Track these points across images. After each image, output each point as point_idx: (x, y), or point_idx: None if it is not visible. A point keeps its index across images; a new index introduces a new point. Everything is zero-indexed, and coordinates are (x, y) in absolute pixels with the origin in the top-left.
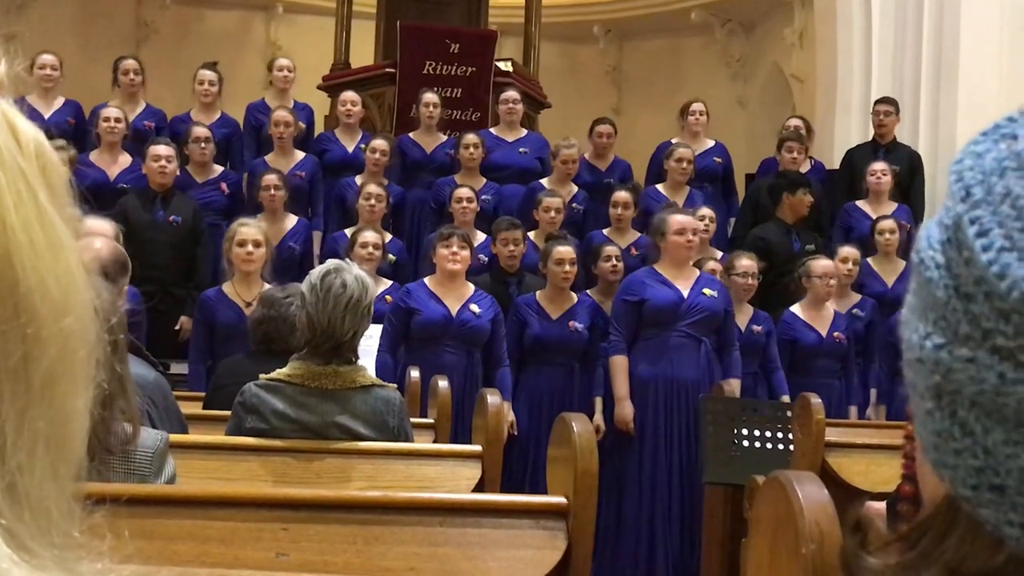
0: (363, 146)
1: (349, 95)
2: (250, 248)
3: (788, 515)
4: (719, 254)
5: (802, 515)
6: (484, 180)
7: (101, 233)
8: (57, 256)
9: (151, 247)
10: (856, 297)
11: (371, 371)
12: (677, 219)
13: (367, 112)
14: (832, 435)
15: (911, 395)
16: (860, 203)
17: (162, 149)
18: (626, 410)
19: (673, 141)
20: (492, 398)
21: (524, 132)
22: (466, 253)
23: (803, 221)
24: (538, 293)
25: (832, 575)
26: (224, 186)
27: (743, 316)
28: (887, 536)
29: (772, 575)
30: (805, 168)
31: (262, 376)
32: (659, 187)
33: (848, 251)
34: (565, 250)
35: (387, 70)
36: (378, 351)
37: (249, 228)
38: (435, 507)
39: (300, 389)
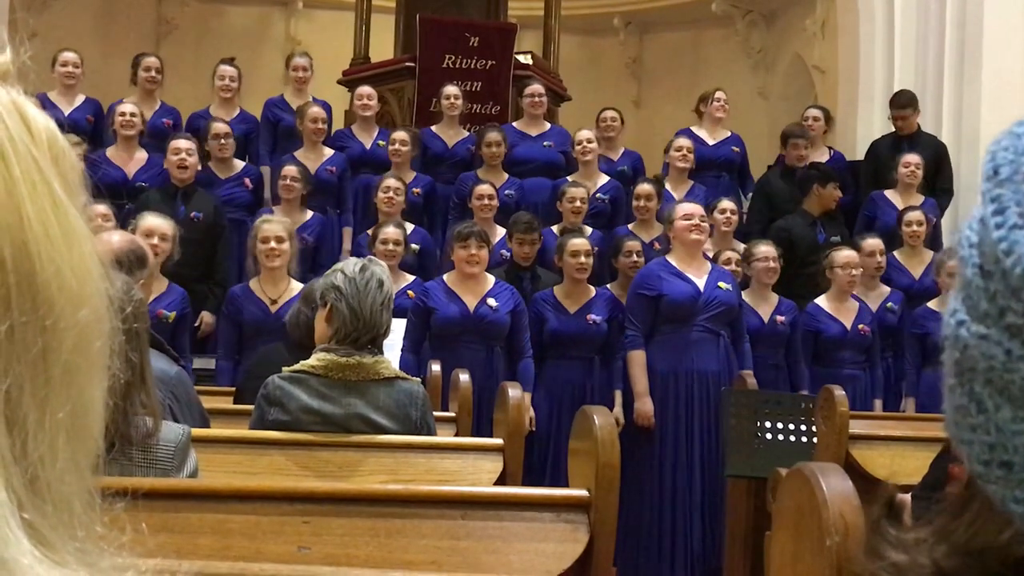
0: (380, 142)
1: (365, 89)
2: (273, 244)
3: (812, 507)
4: (743, 247)
5: (826, 507)
6: (506, 176)
7: (162, 231)
8: (72, 246)
9: None
10: (886, 290)
11: (395, 365)
12: (683, 206)
13: (387, 107)
14: (856, 427)
15: (944, 375)
16: (888, 193)
17: (182, 143)
18: (647, 406)
19: (692, 129)
20: (513, 391)
21: (548, 126)
22: (484, 252)
23: (828, 214)
24: (555, 288)
25: None
26: (248, 181)
27: (767, 305)
28: (916, 509)
29: (796, 568)
30: (824, 158)
31: (285, 368)
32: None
33: (873, 243)
34: (579, 242)
35: (407, 64)
36: (402, 350)
37: (272, 224)
38: (457, 500)
39: (324, 381)
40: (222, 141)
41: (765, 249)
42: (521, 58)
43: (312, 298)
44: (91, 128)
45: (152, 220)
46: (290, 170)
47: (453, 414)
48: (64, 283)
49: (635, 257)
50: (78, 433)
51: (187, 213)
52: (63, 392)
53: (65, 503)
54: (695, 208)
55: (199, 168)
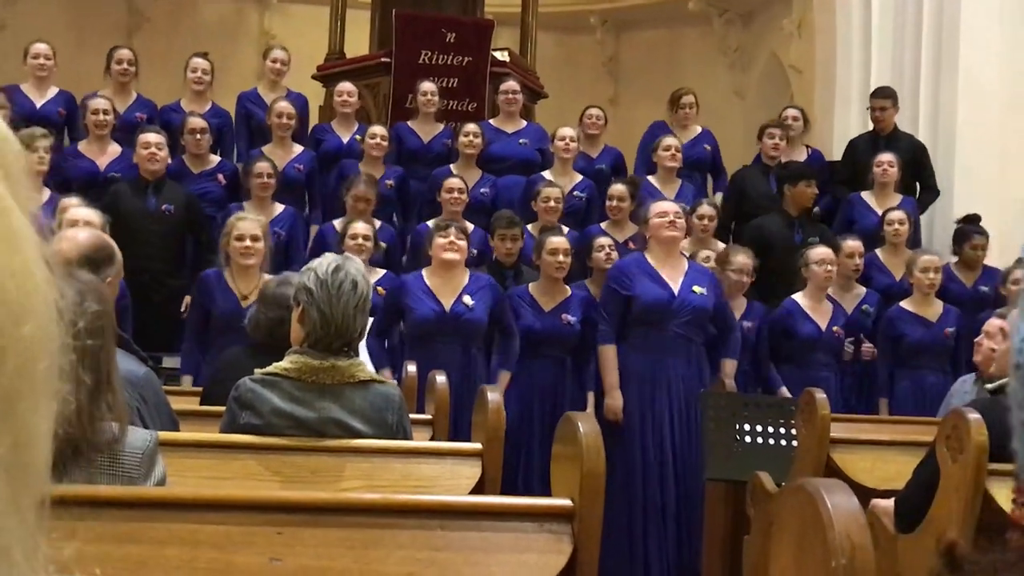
0: (358, 137)
1: (346, 86)
2: (248, 243)
3: (816, 526)
4: (722, 246)
5: (831, 527)
6: (480, 173)
7: (87, 221)
8: (14, 251)
9: (143, 236)
10: (862, 290)
11: (367, 363)
12: (658, 203)
13: (363, 102)
14: (836, 431)
15: (1012, 406)
16: (865, 195)
17: (152, 137)
18: (616, 401)
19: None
20: (492, 395)
21: (524, 123)
22: (463, 243)
23: (807, 213)
24: (531, 285)
25: None
26: (221, 177)
27: (735, 313)
28: (982, 562)
29: None
30: (801, 157)
31: (257, 371)
32: (651, 179)
33: (852, 244)
34: (558, 240)
35: (382, 60)
36: (367, 334)
37: (247, 222)
38: (435, 510)
39: (297, 384)
40: (198, 136)
41: (742, 260)
42: (498, 55)
43: (268, 299)
44: (63, 121)
45: (77, 210)
46: (264, 166)
47: (429, 416)
48: (4, 294)
49: (607, 250)
50: (20, 469)
51: (158, 206)
52: (2, 424)
53: (3, 554)
54: (670, 205)
55: (169, 161)
